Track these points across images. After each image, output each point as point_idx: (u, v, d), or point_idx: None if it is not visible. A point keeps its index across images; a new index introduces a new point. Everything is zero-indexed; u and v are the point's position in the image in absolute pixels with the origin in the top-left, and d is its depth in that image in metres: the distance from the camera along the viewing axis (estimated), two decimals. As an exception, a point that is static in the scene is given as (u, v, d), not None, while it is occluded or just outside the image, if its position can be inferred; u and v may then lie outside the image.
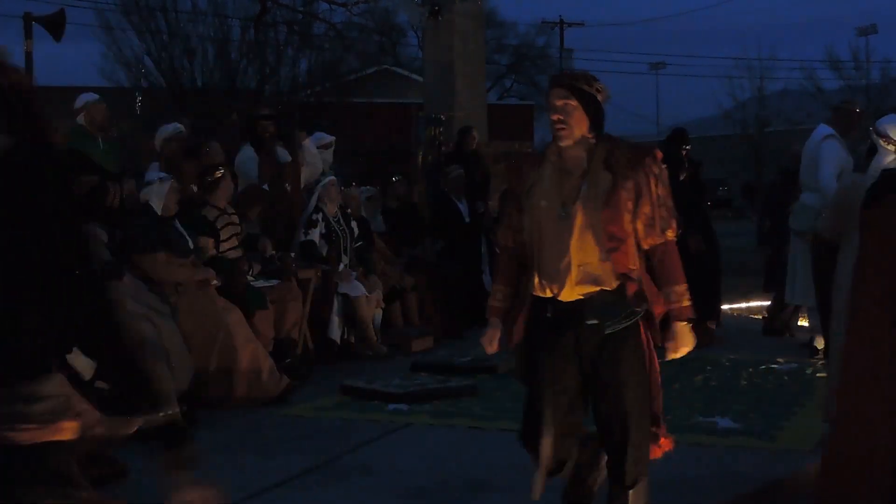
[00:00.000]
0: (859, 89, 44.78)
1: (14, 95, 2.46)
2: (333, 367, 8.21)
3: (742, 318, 11.41)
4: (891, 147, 5.76)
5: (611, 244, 3.90)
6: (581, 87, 3.96)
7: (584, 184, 3.93)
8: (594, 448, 4.22)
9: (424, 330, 9.51)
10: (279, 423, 6.46)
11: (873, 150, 5.96)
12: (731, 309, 11.61)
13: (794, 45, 62.53)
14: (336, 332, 8.67)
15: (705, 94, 54.48)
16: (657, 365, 4.22)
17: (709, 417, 6.48)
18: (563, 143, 3.97)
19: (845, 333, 4.62)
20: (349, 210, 9.35)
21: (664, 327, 4.13)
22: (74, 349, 5.56)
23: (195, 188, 8.24)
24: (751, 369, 8.13)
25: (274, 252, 8.31)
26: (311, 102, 24.71)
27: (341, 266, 8.86)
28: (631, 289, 3.95)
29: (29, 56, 9.42)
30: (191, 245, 7.16)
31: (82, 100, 8.04)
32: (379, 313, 9.11)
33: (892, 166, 5.43)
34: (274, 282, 8.01)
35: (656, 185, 3.95)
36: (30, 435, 2.71)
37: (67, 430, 2.82)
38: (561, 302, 3.96)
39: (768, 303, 10.53)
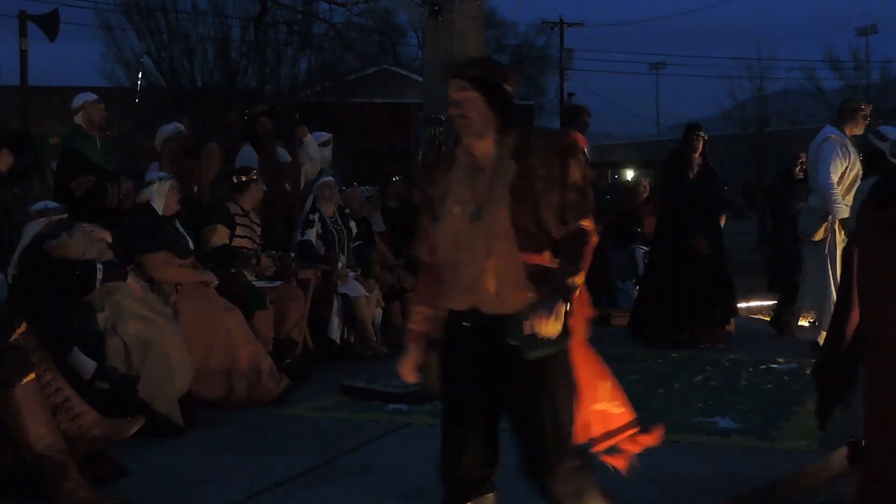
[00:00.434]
0: (859, 89, 44.79)
1: None
2: (333, 367, 8.20)
3: (742, 317, 11.40)
4: None
5: (525, 241, 3.54)
6: (481, 77, 3.59)
7: (494, 182, 3.58)
8: None
9: (424, 330, 9.49)
10: (279, 423, 6.46)
11: (878, 154, 5.98)
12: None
13: (794, 45, 62.58)
14: (336, 332, 8.67)
15: (705, 93, 54.58)
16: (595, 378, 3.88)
17: (709, 417, 6.49)
18: (467, 141, 3.63)
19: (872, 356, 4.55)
20: (348, 210, 9.34)
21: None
22: (74, 349, 5.59)
23: (195, 188, 8.25)
24: (751, 369, 8.13)
25: (274, 252, 8.31)
26: (312, 102, 24.71)
27: (339, 265, 8.85)
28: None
29: (24, 54, 9.39)
30: (191, 245, 7.16)
31: (80, 99, 8.02)
32: (379, 313, 9.11)
33: None
34: (276, 283, 8.01)
35: (569, 171, 3.57)
36: None
37: None
38: (480, 314, 3.59)
39: (771, 302, 10.56)
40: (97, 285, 5.99)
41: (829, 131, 8.28)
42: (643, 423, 6.40)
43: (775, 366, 8.29)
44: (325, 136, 10.35)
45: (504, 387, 3.60)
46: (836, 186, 8.03)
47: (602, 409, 3.91)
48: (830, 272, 8.40)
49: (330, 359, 8.48)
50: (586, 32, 51.85)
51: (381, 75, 35.23)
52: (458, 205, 3.61)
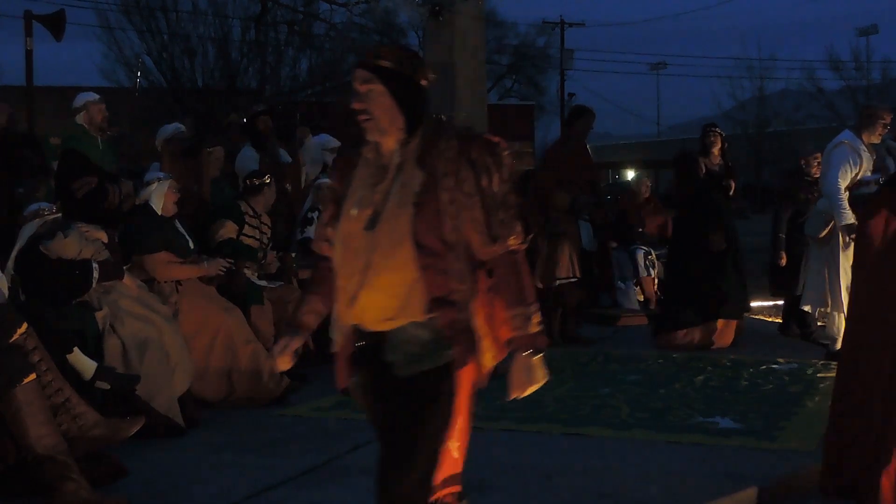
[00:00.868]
0: (860, 89, 44.80)
1: None
2: (334, 367, 8.18)
3: (743, 317, 11.40)
4: None
5: (425, 260, 3.15)
6: (388, 68, 3.22)
7: (394, 188, 3.21)
8: None
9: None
10: (279, 423, 6.46)
11: None
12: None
13: (794, 46, 62.67)
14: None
15: (706, 94, 54.64)
16: (464, 420, 3.48)
17: (709, 418, 6.49)
18: (371, 138, 3.26)
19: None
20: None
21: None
22: (75, 349, 5.59)
23: (196, 187, 8.25)
24: (751, 369, 8.13)
25: (274, 252, 8.31)
26: (312, 102, 24.71)
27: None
28: (445, 318, 3.18)
29: (29, 55, 9.38)
30: (191, 245, 7.16)
31: (81, 99, 8.02)
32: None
33: None
34: (277, 283, 8.02)
35: (490, 182, 3.19)
36: None
37: None
38: (366, 331, 3.29)
39: (776, 302, 10.55)
40: (93, 285, 5.99)
41: (844, 136, 8.31)
42: (643, 423, 6.44)
43: (776, 366, 8.28)
44: (334, 143, 10.40)
45: (382, 408, 3.31)
46: (842, 192, 8.04)
47: (449, 447, 3.45)
48: (832, 275, 8.41)
49: (330, 359, 8.45)
50: (587, 33, 51.95)
51: (382, 75, 35.21)
52: (357, 208, 3.26)
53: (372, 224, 3.20)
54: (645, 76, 63.07)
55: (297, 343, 3.49)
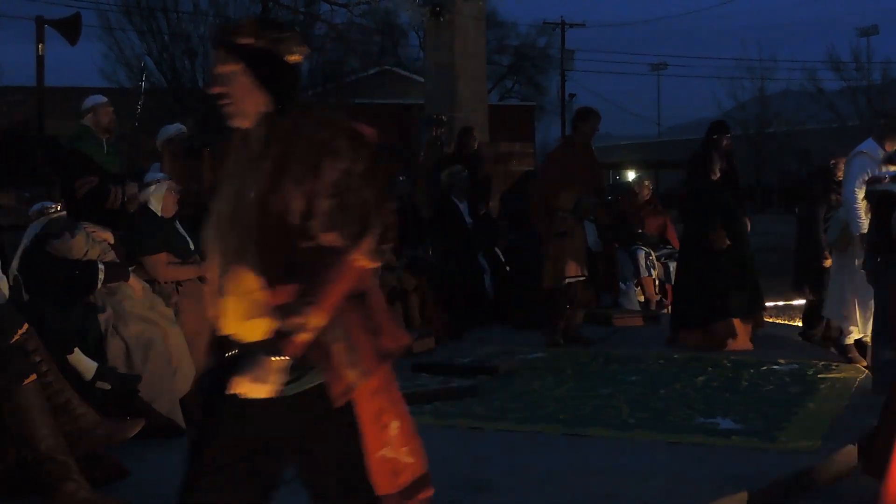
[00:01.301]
0: (860, 90, 44.79)
1: None
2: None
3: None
4: None
5: (272, 259, 2.89)
6: (247, 45, 2.93)
7: (249, 177, 2.94)
8: None
9: (425, 331, 9.51)
10: (280, 423, 6.45)
11: None
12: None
13: (794, 46, 62.64)
14: (337, 332, 8.66)
15: (706, 94, 54.61)
16: (398, 420, 3.28)
17: (710, 418, 6.49)
18: (234, 124, 2.97)
19: None
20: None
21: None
22: (76, 350, 5.58)
23: (196, 188, 8.25)
24: (752, 370, 8.13)
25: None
26: (313, 103, 24.71)
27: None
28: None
29: (41, 60, 9.37)
30: (191, 246, 7.16)
31: (90, 102, 8.09)
32: (380, 314, 9.10)
33: None
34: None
35: (334, 170, 2.87)
36: None
37: None
38: (231, 341, 3.01)
39: (775, 303, 10.53)
40: (98, 285, 5.99)
41: (864, 146, 8.31)
42: (644, 423, 6.44)
43: (776, 366, 8.28)
44: None
45: (265, 438, 3.00)
46: (858, 202, 8.04)
47: (390, 456, 3.21)
48: (847, 287, 8.42)
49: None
50: (587, 33, 51.97)
51: (383, 76, 35.28)
52: (218, 201, 3.00)
53: (233, 218, 2.94)
54: (645, 77, 63.15)
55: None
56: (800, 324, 11.65)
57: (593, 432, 6.19)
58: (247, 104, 2.95)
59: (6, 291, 5.52)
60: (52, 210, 6.10)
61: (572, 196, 9.30)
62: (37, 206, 6.18)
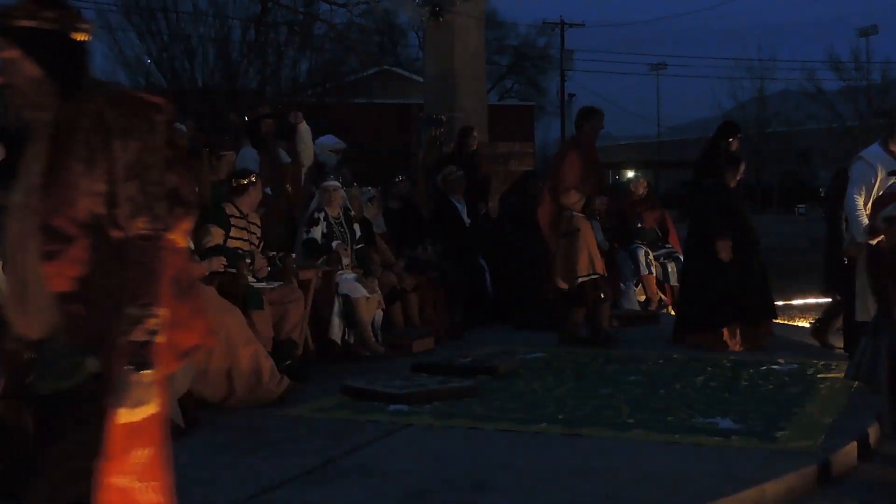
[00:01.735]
0: (860, 90, 44.82)
1: None
2: (334, 367, 8.21)
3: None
4: None
5: (52, 246, 2.65)
6: (25, 27, 2.67)
7: (34, 164, 2.72)
8: None
9: (425, 331, 9.52)
10: (279, 423, 6.46)
11: None
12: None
13: (794, 46, 62.56)
14: (337, 332, 8.67)
15: (706, 94, 54.58)
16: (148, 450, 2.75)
17: (709, 418, 6.48)
18: (26, 115, 2.75)
19: None
20: (352, 212, 9.37)
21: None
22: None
23: (197, 189, 8.25)
24: (751, 370, 8.13)
25: (273, 253, 8.32)
26: (312, 103, 24.71)
27: (341, 267, 8.87)
28: (78, 317, 2.66)
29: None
30: (192, 246, 7.16)
31: None
32: (380, 314, 9.11)
33: None
34: (275, 284, 8.02)
35: (128, 150, 2.66)
36: None
37: None
38: (26, 341, 2.77)
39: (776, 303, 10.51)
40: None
41: (865, 151, 8.32)
42: (643, 423, 6.43)
43: (776, 366, 8.28)
44: (341, 146, 10.40)
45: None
46: (858, 208, 8.02)
47: (123, 485, 2.70)
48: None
49: (331, 359, 8.49)
50: (587, 33, 51.90)
51: (382, 76, 35.26)
52: (17, 192, 2.77)
53: (12, 210, 2.74)
54: (645, 77, 63.13)
55: None
56: (800, 323, 11.67)
57: (593, 432, 6.19)
58: (33, 92, 2.71)
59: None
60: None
61: (580, 195, 9.33)
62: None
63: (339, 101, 25.54)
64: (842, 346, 8.89)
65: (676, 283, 12.07)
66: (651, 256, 12.11)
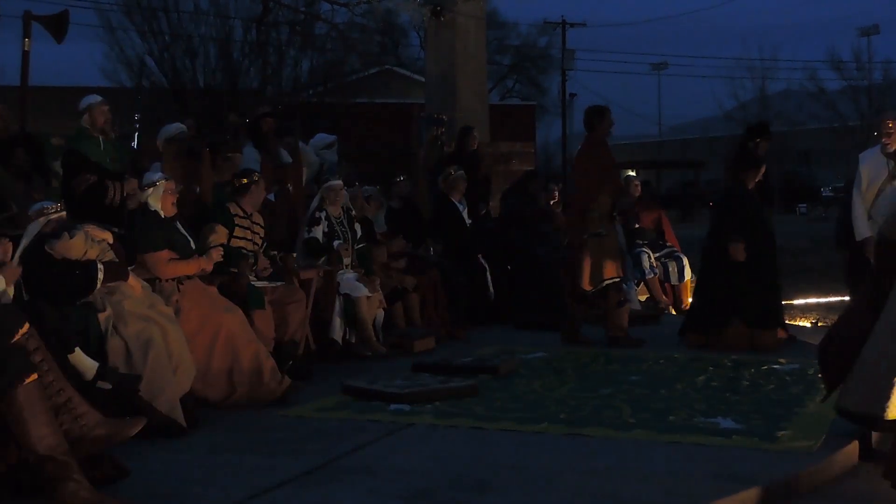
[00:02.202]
0: (861, 90, 44.78)
1: None
2: (335, 367, 8.21)
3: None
4: None
5: None
6: None
7: None
8: None
9: (426, 330, 9.52)
10: (280, 423, 6.46)
11: None
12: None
13: (795, 46, 62.45)
14: (338, 332, 8.67)
15: (707, 94, 54.53)
16: None
17: (710, 418, 6.48)
18: None
19: None
20: (353, 212, 9.37)
21: None
22: (77, 349, 5.58)
23: (197, 189, 8.25)
24: (752, 370, 8.13)
25: (275, 253, 8.32)
26: (313, 103, 24.71)
27: (342, 267, 8.87)
28: None
29: (26, 56, 9.28)
30: (192, 245, 7.16)
31: (85, 102, 8.08)
32: (381, 314, 9.11)
33: None
34: (276, 283, 8.03)
35: None
36: None
37: None
38: None
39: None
40: (98, 285, 5.99)
41: (864, 152, 8.34)
42: (644, 423, 6.43)
43: (777, 366, 8.28)
44: (329, 139, 10.38)
45: None
46: (857, 209, 8.02)
47: None
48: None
49: (332, 359, 8.49)
50: (588, 33, 51.94)
51: (383, 75, 35.28)
52: None
53: None
54: (646, 76, 63.11)
55: None
56: (801, 323, 11.67)
57: (594, 432, 6.19)
58: None
59: (10, 291, 5.52)
60: (52, 210, 6.10)
61: (610, 200, 9.35)
62: (36, 207, 6.17)
63: (340, 101, 25.54)
64: None
65: (677, 283, 12.08)
66: (653, 258, 12.11)
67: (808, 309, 12.87)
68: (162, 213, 7.00)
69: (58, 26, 9.72)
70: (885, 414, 5.41)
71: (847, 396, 5.74)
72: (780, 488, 5.21)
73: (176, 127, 8.54)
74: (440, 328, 9.77)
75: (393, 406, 6.82)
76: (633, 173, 26.36)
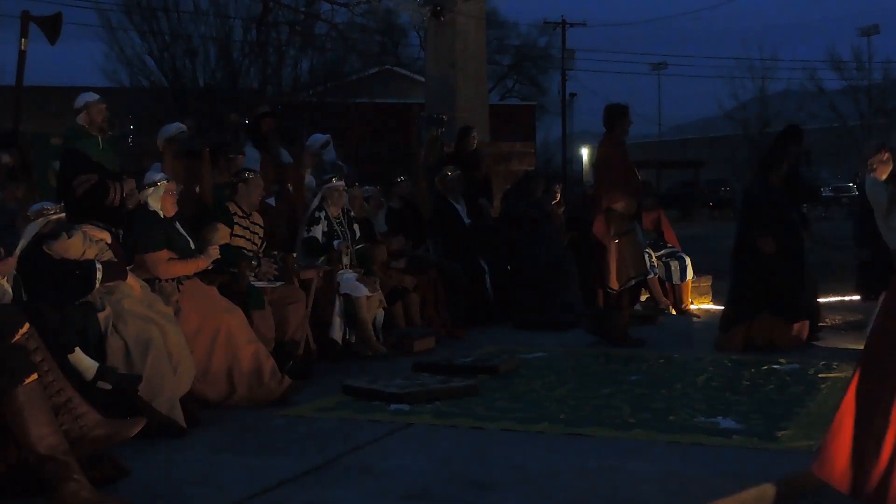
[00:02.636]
0: (861, 90, 44.79)
1: None
2: (335, 367, 8.21)
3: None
4: None
5: None
6: None
7: None
8: None
9: (426, 330, 9.52)
10: (280, 423, 6.46)
11: None
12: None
13: (795, 46, 62.56)
14: (338, 332, 8.67)
15: (707, 94, 54.47)
16: None
17: (710, 418, 6.48)
18: None
19: None
20: (352, 213, 9.37)
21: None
22: (77, 349, 5.58)
23: (197, 189, 8.25)
24: (753, 370, 8.13)
25: (276, 253, 8.32)
26: (313, 103, 24.70)
27: (342, 267, 8.87)
28: None
29: (22, 55, 9.26)
30: (192, 245, 7.16)
31: (82, 100, 8.03)
32: (381, 314, 9.11)
33: None
34: (276, 283, 8.02)
35: None
36: None
37: None
38: None
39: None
40: (97, 285, 5.99)
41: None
42: (644, 423, 6.43)
43: (777, 366, 8.28)
44: (323, 138, 10.38)
45: None
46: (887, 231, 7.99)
47: None
48: None
49: (332, 359, 8.49)
50: (588, 32, 51.93)
51: (383, 75, 35.28)
52: None
53: None
54: (646, 76, 63.00)
55: None
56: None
57: (594, 432, 6.19)
58: None
59: (10, 291, 5.52)
60: (51, 210, 6.10)
61: (634, 201, 9.37)
62: (35, 207, 6.17)
63: (340, 101, 25.52)
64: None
65: (678, 282, 12.06)
66: (654, 258, 12.10)
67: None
68: (161, 214, 7.01)
69: (52, 27, 9.70)
70: None
71: None
72: (780, 488, 5.21)
73: (176, 127, 8.54)
74: (440, 328, 9.77)
75: (393, 406, 6.82)
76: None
